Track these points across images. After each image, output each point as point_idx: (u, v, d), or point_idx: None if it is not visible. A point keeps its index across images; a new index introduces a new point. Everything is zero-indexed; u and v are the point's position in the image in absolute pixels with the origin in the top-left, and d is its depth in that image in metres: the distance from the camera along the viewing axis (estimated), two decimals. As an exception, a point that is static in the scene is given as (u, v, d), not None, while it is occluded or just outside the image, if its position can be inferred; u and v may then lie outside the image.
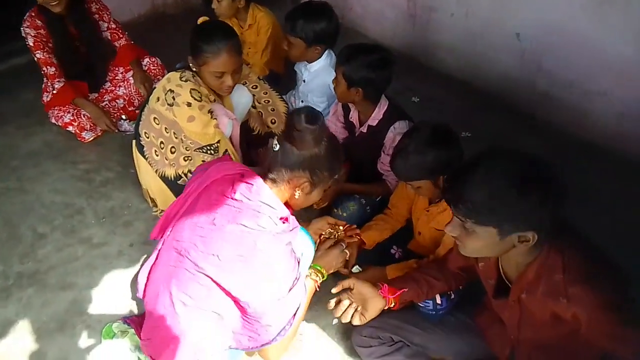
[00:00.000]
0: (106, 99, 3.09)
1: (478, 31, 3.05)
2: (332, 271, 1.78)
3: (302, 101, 2.75)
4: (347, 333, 1.86)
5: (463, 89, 3.21)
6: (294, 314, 1.50)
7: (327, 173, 1.55)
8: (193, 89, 2.04)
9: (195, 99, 2.03)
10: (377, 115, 2.08)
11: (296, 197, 1.54)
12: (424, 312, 1.68)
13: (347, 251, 1.81)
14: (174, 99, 2.03)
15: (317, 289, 1.71)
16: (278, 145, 1.51)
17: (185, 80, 2.05)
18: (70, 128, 2.93)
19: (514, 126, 2.90)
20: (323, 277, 1.72)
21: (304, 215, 2.16)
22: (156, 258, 1.65)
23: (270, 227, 1.46)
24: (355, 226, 1.91)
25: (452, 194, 1.22)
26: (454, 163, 1.63)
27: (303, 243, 1.60)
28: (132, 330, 1.82)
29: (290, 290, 1.47)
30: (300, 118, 1.45)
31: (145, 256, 2.18)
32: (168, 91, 2.06)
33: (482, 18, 3.01)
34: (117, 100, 3.10)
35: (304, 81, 2.73)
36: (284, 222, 1.50)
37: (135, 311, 1.98)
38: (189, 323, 1.48)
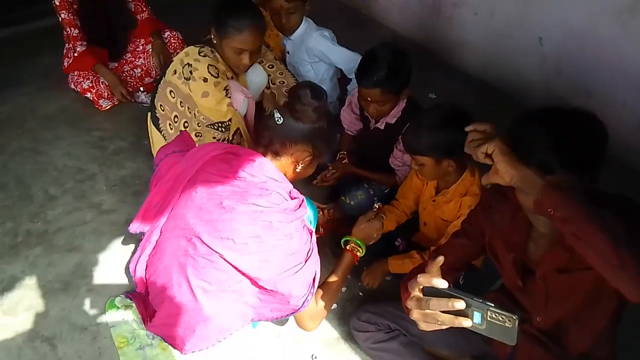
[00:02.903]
0: (125, 69, 3.12)
1: (500, 31, 3.03)
2: (371, 243, 1.80)
3: (292, 75, 2.69)
4: (344, 318, 1.88)
5: (481, 88, 3.20)
6: (313, 282, 1.53)
7: (326, 146, 1.61)
8: (211, 65, 2.05)
9: (212, 75, 2.04)
10: (395, 112, 2.07)
11: (298, 170, 1.56)
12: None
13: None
14: (190, 73, 2.04)
15: (356, 264, 1.76)
16: (282, 119, 1.52)
17: (204, 56, 2.06)
18: (88, 95, 2.95)
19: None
20: (363, 251, 1.75)
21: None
22: (154, 249, 1.67)
23: (282, 203, 1.47)
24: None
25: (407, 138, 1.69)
26: (461, 148, 1.63)
27: (308, 212, 1.61)
28: (134, 306, 1.85)
29: (306, 261, 1.49)
30: (306, 93, 1.50)
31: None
32: (185, 65, 2.07)
33: (505, 19, 2.99)
34: (135, 70, 3.12)
35: (288, 53, 2.74)
36: (292, 198, 1.52)
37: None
38: (212, 308, 1.50)
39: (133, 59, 3.13)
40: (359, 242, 1.75)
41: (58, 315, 1.87)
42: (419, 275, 1.07)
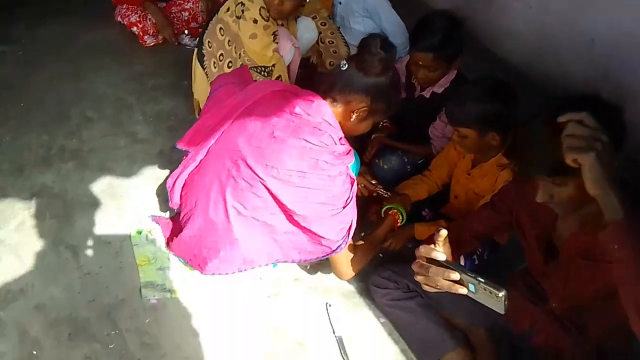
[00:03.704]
0: (173, 11, 3.13)
1: (552, 27, 2.99)
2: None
3: (339, 27, 2.65)
4: (362, 275, 1.86)
5: (523, 81, 3.16)
6: (348, 231, 1.54)
7: (384, 105, 1.58)
8: (263, 7, 2.06)
9: (262, 18, 2.05)
10: (444, 82, 2.05)
11: (351, 120, 1.56)
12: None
13: None
14: (242, 12, 2.05)
15: (395, 229, 1.81)
16: (347, 66, 1.52)
17: None
18: (134, 29, 2.98)
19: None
20: (403, 219, 1.80)
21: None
22: (197, 167, 1.69)
23: (332, 145, 1.48)
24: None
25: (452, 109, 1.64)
26: (506, 121, 1.63)
27: (353, 164, 1.62)
28: (159, 228, 1.87)
29: (344, 207, 1.50)
30: (376, 42, 1.49)
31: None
32: (239, 3, 2.07)
33: (559, 15, 2.94)
34: (182, 13, 3.13)
35: (340, 3, 2.70)
36: (342, 144, 1.53)
37: (161, 213, 2.01)
38: (242, 233, 1.52)
39: (182, 2, 3.14)
40: (401, 211, 1.78)
41: (84, 228, 1.91)
42: (421, 246, 1.19)
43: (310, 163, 1.45)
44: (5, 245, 1.81)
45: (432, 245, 1.20)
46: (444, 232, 1.20)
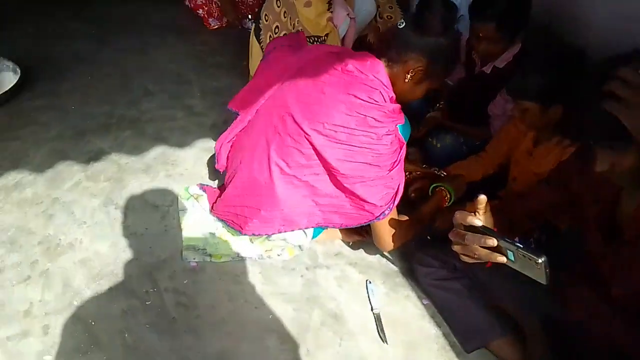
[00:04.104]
0: (238, -5, 3.18)
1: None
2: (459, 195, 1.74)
3: (401, 13, 2.52)
4: (407, 255, 1.79)
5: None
6: (394, 197, 1.47)
7: (441, 69, 1.48)
8: None
9: None
10: (506, 56, 1.93)
11: (406, 80, 1.48)
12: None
13: None
14: None
15: (443, 207, 1.70)
16: (404, 23, 1.45)
17: None
18: (200, 11, 3.05)
19: None
20: (451, 199, 1.70)
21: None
22: (245, 128, 1.68)
23: (381, 103, 1.42)
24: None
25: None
26: (569, 93, 1.49)
27: (404, 129, 1.54)
28: (206, 196, 1.88)
29: (390, 171, 1.43)
30: (437, 0, 1.39)
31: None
32: None
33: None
34: (251, -1, 3.18)
35: None
36: (393, 102, 1.46)
37: (209, 182, 2.03)
38: (284, 192, 1.49)
39: (248, -14, 3.19)
40: (450, 190, 1.69)
41: (134, 191, 1.95)
42: (456, 212, 1.13)
43: (359, 119, 1.39)
44: (60, 203, 1.87)
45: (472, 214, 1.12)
46: (483, 198, 1.12)
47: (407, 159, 2.02)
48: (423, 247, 1.71)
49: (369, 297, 1.65)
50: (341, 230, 1.81)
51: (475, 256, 1.10)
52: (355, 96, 1.41)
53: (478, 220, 1.09)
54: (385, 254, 1.79)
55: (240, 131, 1.69)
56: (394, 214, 1.51)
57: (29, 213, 1.82)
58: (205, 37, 2.99)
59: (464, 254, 1.13)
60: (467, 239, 1.09)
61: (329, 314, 1.59)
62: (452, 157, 1.97)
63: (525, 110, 1.60)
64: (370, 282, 1.69)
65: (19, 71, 2.35)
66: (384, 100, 1.43)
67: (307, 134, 1.42)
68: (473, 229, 1.09)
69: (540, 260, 0.97)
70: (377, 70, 1.45)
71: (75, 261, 1.68)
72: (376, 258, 1.77)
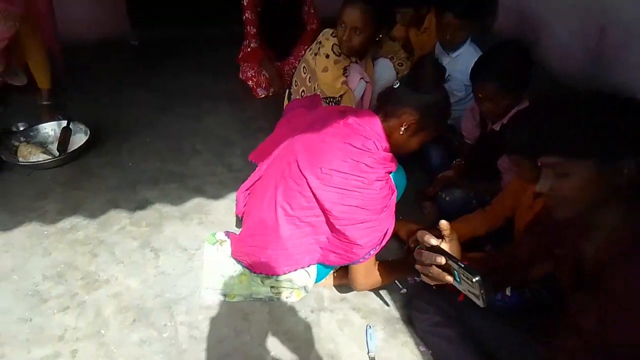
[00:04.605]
0: (286, 69, 3.50)
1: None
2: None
3: None
4: (410, 304, 1.83)
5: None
6: (382, 239, 1.58)
7: (433, 122, 1.64)
8: (335, 44, 2.29)
9: (334, 53, 2.27)
10: (514, 113, 2.01)
11: (401, 133, 1.63)
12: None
13: None
14: (319, 49, 2.29)
15: None
16: (399, 84, 1.63)
17: (334, 36, 2.30)
18: (250, 82, 3.39)
19: None
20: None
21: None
22: (261, 176, 1.88)
23: (374, 150, 1.58)
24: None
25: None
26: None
27: (398, 179, 1.67)
28: (229, 241, 2.06)
29: (379, 214, 1.55)
30: (428, 62, 1.59)
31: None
32: (317, 42, 2.33)
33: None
34: (293, 70, 3.48)
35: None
36: (385, 151, 1.62)
37: (235, 229, 2.21)
38: (287, 231, 1.66)
39: (294, 61, 3.50)
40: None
41: (169, 235, 2.17)
42: (419, 231, 1.25)
43: (352, 164, 1.55)
44: (105, 244, 2.13)
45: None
46: (444, 223, 1.22)
47: (422, 212, 2.12)
48: (422, 293, 1.76)
49: (367, 341, 1.71)
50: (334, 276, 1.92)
51: (430, 275, 1.19)
52: (351, 144, 1.58)
53: (434, 239, 1.19)
54: (387, 300, 1.86)
55: (257, 180, 1.89)
56: (372, 258, 1.62)
57: (78, 252, 2.08)
58: (253, 105, 3.31)
59: (424, 274, 1.23)
60: (423, 256, 1.19)
61: (326, 354, 1.67)
62: (460, 210, 2.04)
63: (519, 164, 1.67)
64: (370, 327, 1.75)
65: (89, 132, 2.73)
66: (377, 148, 1.59)
67: (306, 177, 1.59)
68: (432, 249, 1.19)
69: (474, 279, 1.02)
70: (373, 123, 1.63)
71: (108, 294, 1.89)
72: (379, 304, 1.84)
